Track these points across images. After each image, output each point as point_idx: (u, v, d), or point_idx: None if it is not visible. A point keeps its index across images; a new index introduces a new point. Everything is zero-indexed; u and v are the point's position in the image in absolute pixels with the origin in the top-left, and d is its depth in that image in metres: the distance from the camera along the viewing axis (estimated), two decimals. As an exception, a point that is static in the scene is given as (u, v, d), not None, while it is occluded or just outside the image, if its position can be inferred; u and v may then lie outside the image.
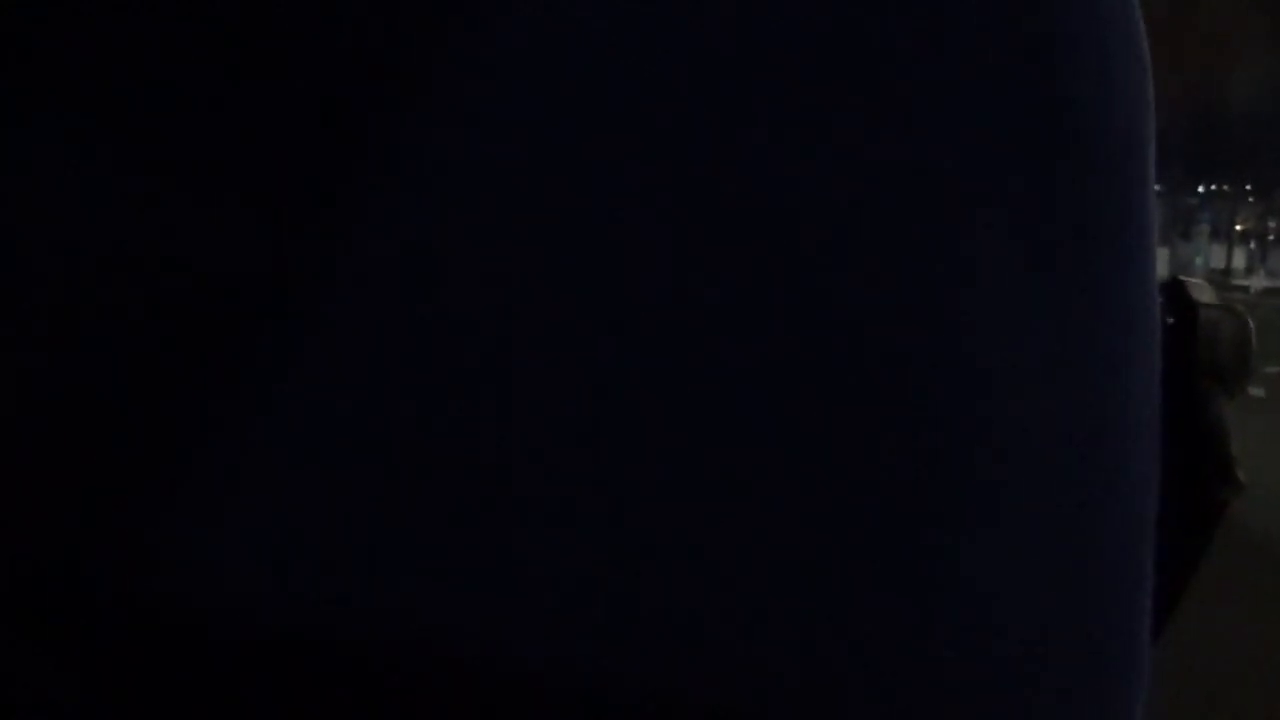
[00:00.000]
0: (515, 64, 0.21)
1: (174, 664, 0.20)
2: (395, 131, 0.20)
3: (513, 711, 0.20)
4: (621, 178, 0.21)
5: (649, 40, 0.21)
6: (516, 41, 0.21)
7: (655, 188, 0.21)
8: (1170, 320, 0.36)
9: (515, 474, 0.20)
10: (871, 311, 0.22)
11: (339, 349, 0.20)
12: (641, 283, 0.21)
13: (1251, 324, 0.36)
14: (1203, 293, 0.36)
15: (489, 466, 0.20)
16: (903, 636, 0.22)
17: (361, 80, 0.20)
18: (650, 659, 0.20)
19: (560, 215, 0.21)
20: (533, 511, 0.20)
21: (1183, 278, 0.36)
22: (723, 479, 0.21)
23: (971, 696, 0.23)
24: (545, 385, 0.20)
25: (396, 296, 0.20)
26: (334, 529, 0.20)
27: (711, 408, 0.21)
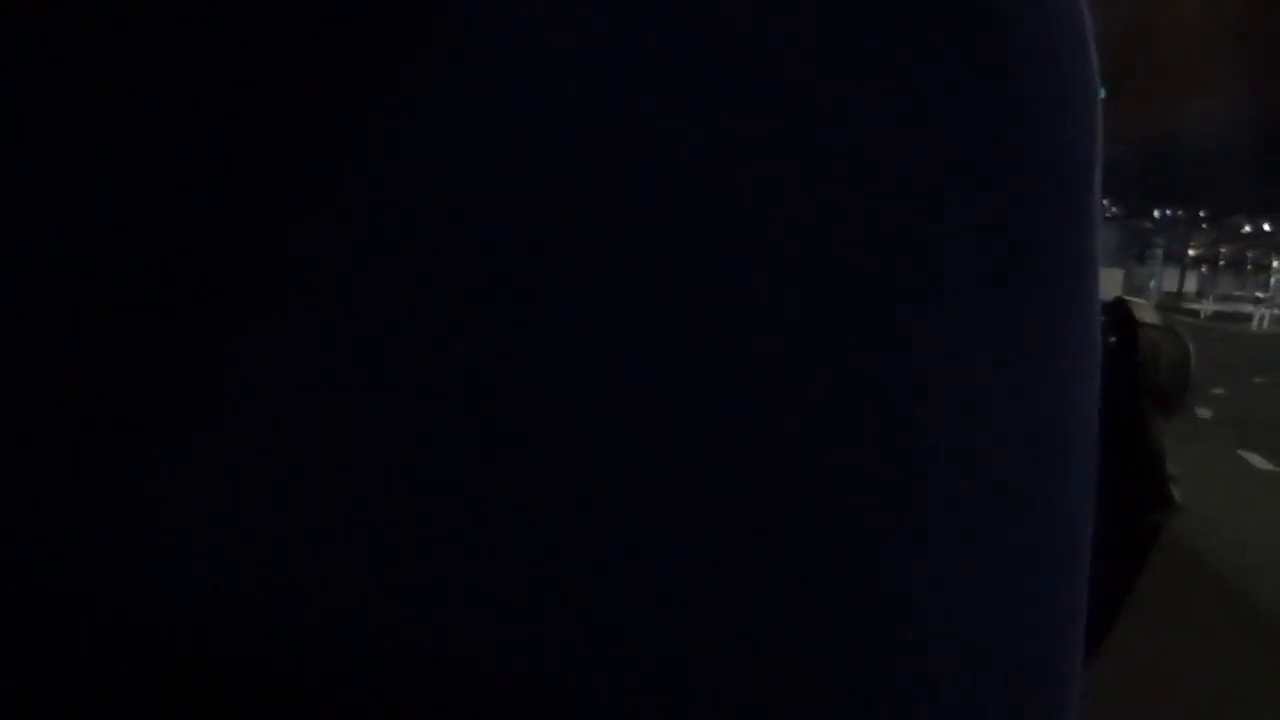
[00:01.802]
0: (502, 60, 0.21)
1: (110, 661, 0.19)
2: (372, 123, 0.20)
3: (460, 712, 0.20)
4: (610, 176, 0.21)
5: (647, 41, 0.21)
6: (505, 40, 0.21)
7: (643, 191, 0.21)
8: (1112, 339, 0.36)
9: (477, 471, 0.20)
10: (825, 325, 0.22)
11: (306, 339, 0.20)
12: (618, 287, 0.21)
13: (1192, 346, 0.36)
14: (1144, 313, 0.36)
15: (448, 461, 0.20)
16: (840, 657, 0.22)
17: (338, 70, 0.20)
18: (599, 668, 0.20)
19: (535, 211, 0.20)
20: (491, 508, 0.20)
21: (1125, 298, 0.36)
22: (674, 493, 0.21)
23: (906, 718, 0.22)
24: (518, 384, 0.20)
25: (367, 288, 0.20)
26: (284, 522, 0.20)
27: (682, 416, 0.21)
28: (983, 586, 0.25)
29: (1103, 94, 0.28)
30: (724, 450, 0.22)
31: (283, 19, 0.21)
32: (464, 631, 0.20)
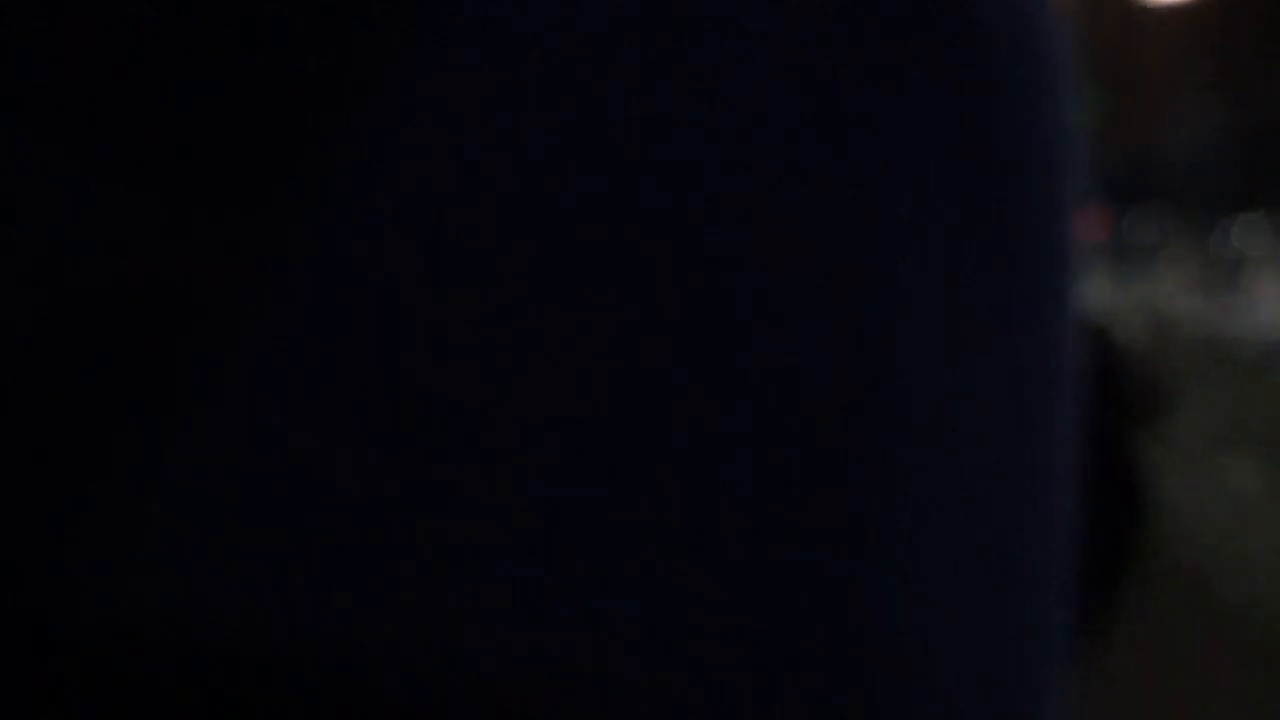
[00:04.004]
0: (482, 65, 0.20)
1: (125, 685, 0.19)
2: (352, 127, 0.20)
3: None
4: (587, 185, 0.21)
5: (622, 50, 0.21)
6: (482, 48, 0.20)
7: (625, 204, 0.21)
8: (1087, 356, 0.36)
9: (465, 485, 0.20)
10: (802, 342, 0.22)
11: (312, 360, 0.19)
12: (597, 297, 0.20)
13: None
14: (1117, 328, 0.36)
15: (444, 480, 0.20)
16: (822, 678, 0.22)
17: (317, 75, 0.20)
18: (589, 680, 0.20)
19: (518, 222, 0.20)
20: (480, 519, 0.20)
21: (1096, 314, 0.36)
22: (653, 513, 0.21)
23: None
24: (511, 400, 0.20)
25: (349, 300, 0.19)
26: (274, 548, 0.19)
27: (657, 427, 0.21)
28: (962, 599, 0.24)
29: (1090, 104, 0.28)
30: (698, 468, 0.21)
31: (270, 28, 0.20)
32: (456, 644, 0.20)
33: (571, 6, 0.22)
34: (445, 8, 0.21)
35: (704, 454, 0.22)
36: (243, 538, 0.20)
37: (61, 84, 0.20)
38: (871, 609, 0.23)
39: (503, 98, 0.21)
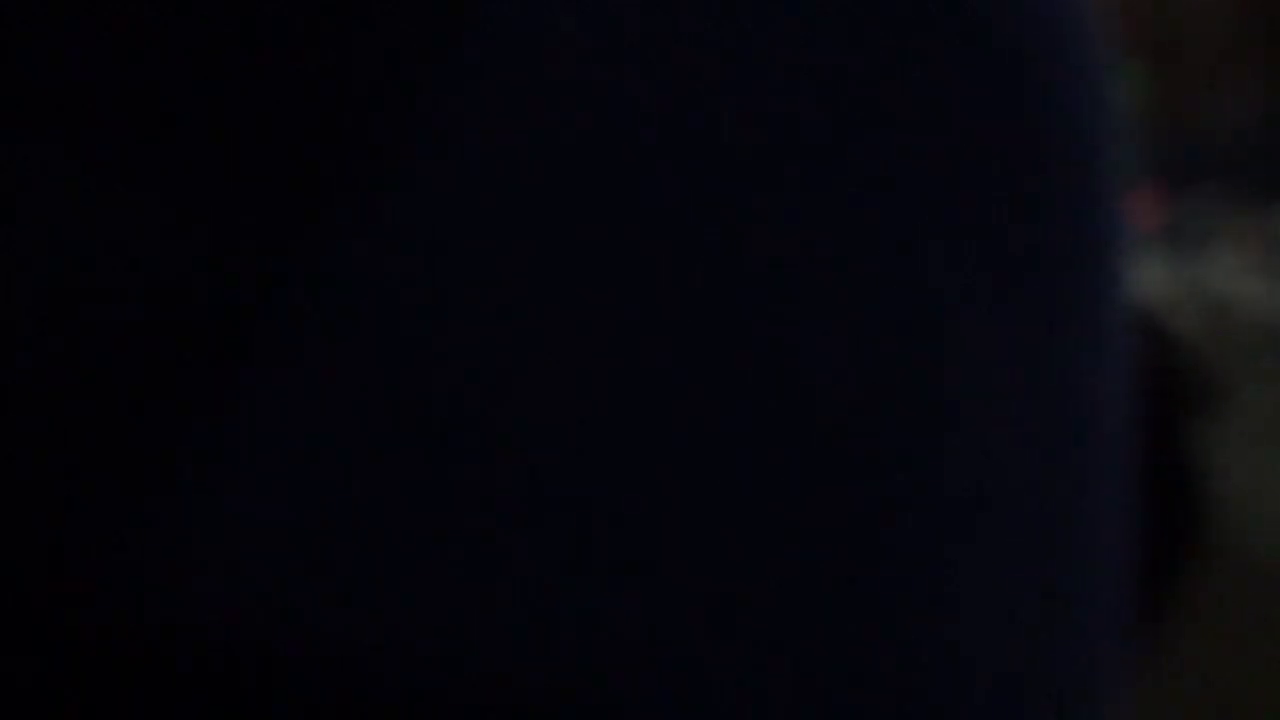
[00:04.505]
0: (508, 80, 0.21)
1: (136, 684, 0.20)
2: (383, 143, 0.20)
3: None
4: (619, 197, 0.21)
5: (650, 63, 0.22)
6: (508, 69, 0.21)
7: (653, 215, 0.21)
8: (1141, 348, 0.36)
9: (493, 496, 0.20)
10: (843, 352, 0.22)
11: (320, 364, 0.20)
12: (632, 310, 0.21)
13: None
14: (1172, 314, 0.36)
15: (465, 487, 0.20)
16: (877, 694, 0.23)
17: (346, 91, 0.20)
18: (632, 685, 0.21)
19: (548, 235, 0.21)
20: (511, 534, 0.20)
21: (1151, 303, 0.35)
22: (689, 525, 0.21)
23: None
24: (547, 407, 0.21)
25: (381, 313, 0.20)
26: (303, 545, 0.20)
27: (693, 439, 0.21)
28: (1010, 600, 0.25)
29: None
30: (732, 469, 0.22)
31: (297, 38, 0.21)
32: (493, 650, 0.21)
33: (591, 16, 0.22)
34: (470, 27, 0.22)
35: (736, 456, 0.22)
36: (261, 543, 0.21)
37: (104, 103, 0.21)
38: (913, 612, 0.23)
39: (525, 107, 0.22)
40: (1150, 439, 0.29)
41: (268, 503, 0.21)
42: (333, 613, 0.21)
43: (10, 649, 0.20)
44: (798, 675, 0.22)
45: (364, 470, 0.21)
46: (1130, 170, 0.29)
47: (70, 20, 0.21)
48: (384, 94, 0.21)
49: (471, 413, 0.21)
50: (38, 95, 0.21)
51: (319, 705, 0.21)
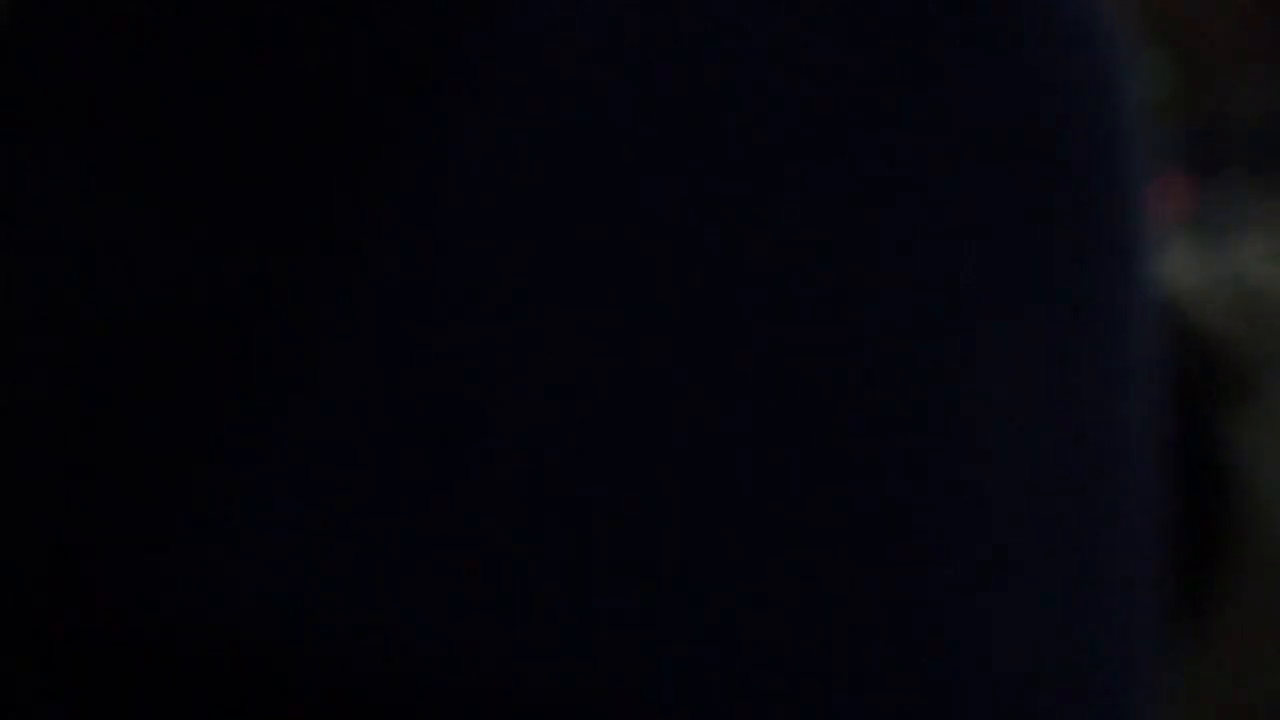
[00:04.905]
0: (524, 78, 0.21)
1: (170, 679, 0.21)
2: (407, 147, 0.21)
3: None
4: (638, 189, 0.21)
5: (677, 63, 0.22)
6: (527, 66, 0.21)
7: (675, 210, 0.21)
8: (1167, 341, 0.36)
9: (494, 496, 0.21)
10: (875, 353, 0.22)
11: (322, 363, 0.21)
12: (652, 307, 0.21)
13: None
14: (1201, 305, 0.36)
15: (490, 484, 0.21)
16: (909, 687, 0.23)
17: (366, 99, 0.21)
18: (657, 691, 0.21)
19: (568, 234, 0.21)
20: (531, 530, 0.21)
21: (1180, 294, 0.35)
22: (719, 522, 0.21)
23: None
24: (554, 404, 0.21)
25: (381, 314, 0.21)
26: (330, 543, 0.21)
27: (723, 434, 0.21)
28: (1037, 596, 0.25)
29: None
30: (759, 467, 0.22)
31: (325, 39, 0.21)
32: (541, 643, 0.21)
33: (592, 17, 0.22)
34: (470, 29, 0.22)
35: (738, 454, 0.22)
36: (268, 542, 0.21)
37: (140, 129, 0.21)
38: (941, 609, 0.23)
39: (525, 108, 0.22)
40: (1180, 430, 0.29)
41: (273, 503, 0.21)
42: (337, 611, 0.21)
43: (24, 648, 0.21)
44: (828, 672, 0.22)
45: (367, 470, 0.21)
46: (1156, 159, 0.29)
47: (72, 21, 0.21)
48: (386, 96, 0.21)
49: (473, 412, 0.21)
50: (40, 96, 0.21)
51: (324, 702, 0.21)
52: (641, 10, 0.22)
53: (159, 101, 0.20)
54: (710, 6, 0.22)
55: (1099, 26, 0.26)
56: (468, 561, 0.21)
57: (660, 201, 0.21)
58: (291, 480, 0.20)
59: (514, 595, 0.20)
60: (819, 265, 0.22)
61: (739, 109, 0.22)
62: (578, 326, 0.21)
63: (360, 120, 0.20)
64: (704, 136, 0.21)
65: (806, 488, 0.21)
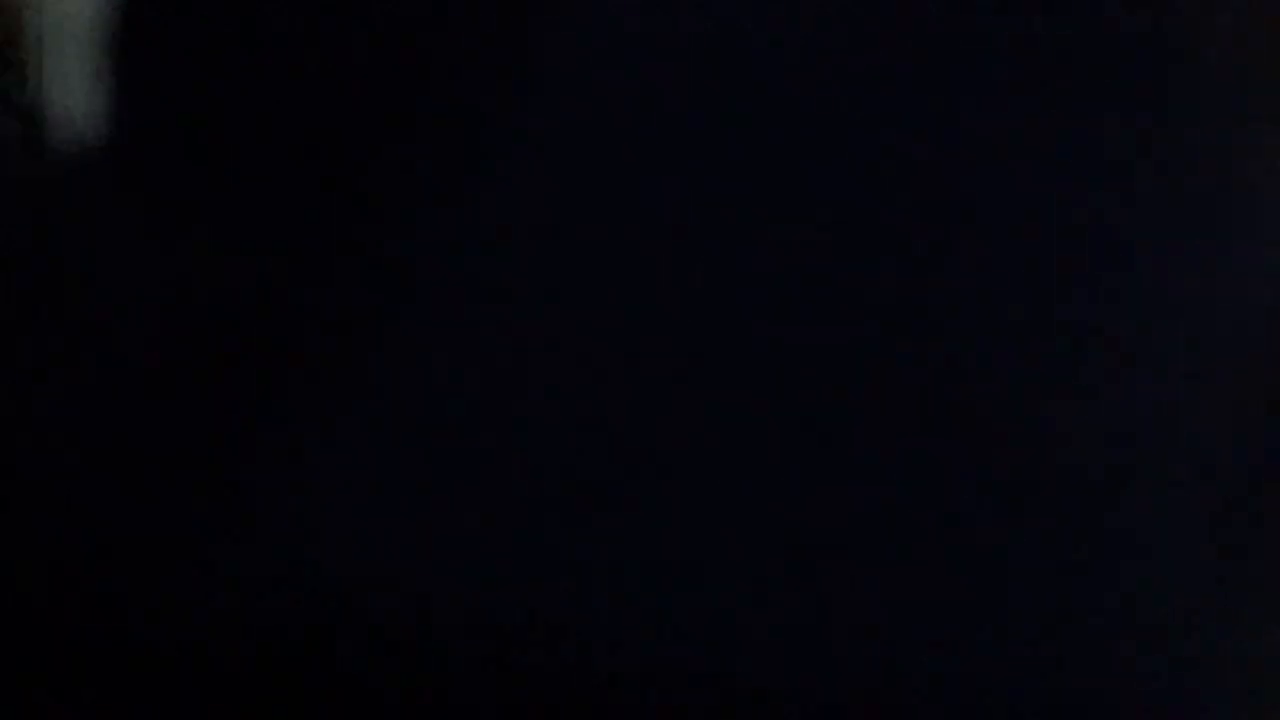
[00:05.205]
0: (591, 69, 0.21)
1: (268, 657, 0.22)
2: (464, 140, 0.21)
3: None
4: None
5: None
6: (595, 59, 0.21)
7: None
8: None
9: (511, 489, 0.21)
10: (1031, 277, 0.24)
11: (345, 360, 0.21)
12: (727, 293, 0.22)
13: None
14: None
15: (549, 468, 0.21)
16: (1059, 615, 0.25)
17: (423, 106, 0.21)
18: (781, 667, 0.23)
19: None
20: (595, 512, 0.22)
21: None
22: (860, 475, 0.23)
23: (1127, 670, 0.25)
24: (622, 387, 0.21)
25: (403, 315, 0.21)
26: (386, 522, 0.21)
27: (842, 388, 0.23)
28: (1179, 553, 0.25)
29: None
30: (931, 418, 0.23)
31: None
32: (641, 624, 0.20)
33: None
34: (488, 28, 0.21)
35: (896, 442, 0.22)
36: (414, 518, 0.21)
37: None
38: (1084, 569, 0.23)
39: (541, 103, 0.21)
40: None
41: (418, 494, 0.21)
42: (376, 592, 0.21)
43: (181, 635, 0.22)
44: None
45: (397, 459, 0.21)
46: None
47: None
48: (386, 96, 0.21)
49: (499, 404, 0.21)
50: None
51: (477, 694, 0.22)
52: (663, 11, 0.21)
53: (159, 101, 0.20)
54: (711, 7, 0.22)
55: None
56: (497, 545, 0.22)
57: (680, 191, 0.22)
58: (320, 470, 0.21)
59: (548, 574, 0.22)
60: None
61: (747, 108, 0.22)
62: (586, 318, 0.21)
63: (363, 120, 0.21)
64: (709, 134, 0.22)
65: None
